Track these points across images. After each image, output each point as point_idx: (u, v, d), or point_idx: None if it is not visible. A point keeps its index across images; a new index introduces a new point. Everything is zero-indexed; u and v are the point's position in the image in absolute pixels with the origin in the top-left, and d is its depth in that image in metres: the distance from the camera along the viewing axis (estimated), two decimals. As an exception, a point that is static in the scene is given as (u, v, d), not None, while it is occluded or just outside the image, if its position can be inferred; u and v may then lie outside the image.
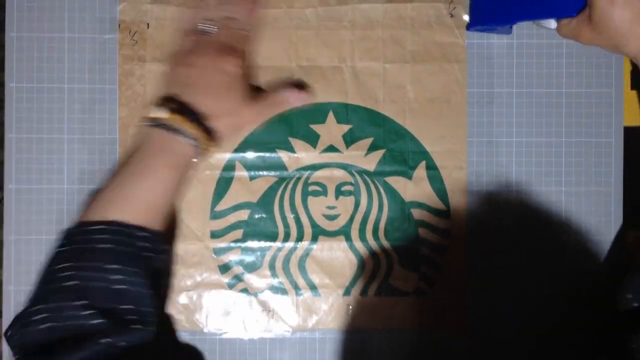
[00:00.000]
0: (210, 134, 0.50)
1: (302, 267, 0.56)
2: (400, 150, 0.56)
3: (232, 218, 0.56)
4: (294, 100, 0.54)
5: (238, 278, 0.56)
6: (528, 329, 0.56)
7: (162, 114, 0.48)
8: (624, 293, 0.49)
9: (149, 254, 0.46)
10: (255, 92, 0.53)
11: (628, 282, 0.50)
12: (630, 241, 0.57)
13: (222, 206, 0.56)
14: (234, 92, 0.51)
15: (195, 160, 0.50)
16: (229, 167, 0.56)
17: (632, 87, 0.57)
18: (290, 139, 0.56)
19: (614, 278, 0.56)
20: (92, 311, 0.43)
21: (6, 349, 0.50)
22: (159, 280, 0.48)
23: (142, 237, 0.46)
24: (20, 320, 0.44)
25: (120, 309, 0.44)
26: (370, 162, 0.56)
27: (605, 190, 0.57)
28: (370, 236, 0.56)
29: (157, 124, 0.49)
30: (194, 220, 0.55)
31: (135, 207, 0.47)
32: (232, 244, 0.56)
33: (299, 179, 0.56)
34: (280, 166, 0.56)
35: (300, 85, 0.55)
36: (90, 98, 0.56)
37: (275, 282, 0.56)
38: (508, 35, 0.56)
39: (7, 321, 0.54)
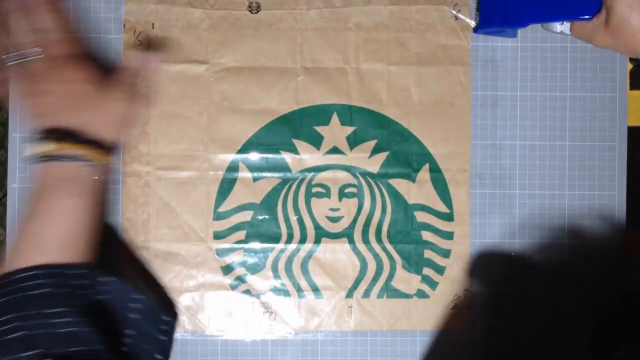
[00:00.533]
0: (101, 146, 0.49)
1: (304, 269, 0.56)
2: (404, 152, 0.56)
3: (235, 219, 0.56)
4: (138, 62, 0.52)
5: (240, 279, 0.55)
6: (531, 331, 0.56)
7: (49, 147, 0.47)
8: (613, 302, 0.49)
9: (85, 291, 0.45)
10: (103, 73, 0.51)
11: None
12: (631, 241, 0.57)
13: (225, 207, 0.55)
14: (92, 95, 0.49)
15: (96, 178, 0.49)
16: (233, 168, 0.56)
17: (632, 87, 0.57)
18: (294, 140, 0.56)
19: (617, 280, 0.56)
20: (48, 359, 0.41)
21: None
22: (109, 312, 0.47)
23: (73, 274, 0.45)
24: None
25: (72, 352, 0.42)
26: (374, 164, 0.56)
27: (609, 194, 0.57)
28: (373, 238, 0.56)
29: (46, 158, 0.48)
30: (197, 221, 0.55)
31: (54, 246, 0.46)
32: (235, 245, 0.56)
33: (302, 180, 0.56)
34: (284, 167, 0.56)
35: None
36: (95, 98, 0.55)
37: (277, 283, 0.56)
38: (513, 38, 0.56)
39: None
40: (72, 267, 0.46)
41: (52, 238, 0.46)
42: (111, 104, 0.50)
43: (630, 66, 0.57)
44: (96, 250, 0.49)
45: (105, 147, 0.49)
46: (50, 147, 0.47)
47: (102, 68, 0.51)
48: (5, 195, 0.54)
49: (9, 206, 0.55)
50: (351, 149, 0.56)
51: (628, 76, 0.57)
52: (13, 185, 0.55)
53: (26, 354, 0.41)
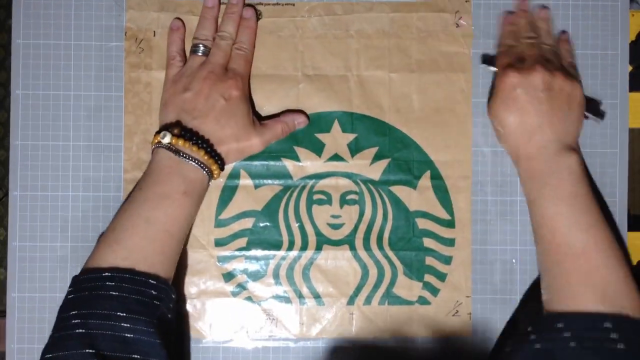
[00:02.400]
0: (215, 159, 0.50)
1: (306, 276, 0.56)
2: (405, 159, 0.56)
3: (237, 226, 0.56)
4: (294, 125, 0.55)
5: (242, 286, 0.56)
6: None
7: (165, 139, 0.49)
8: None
9: (157, 302, 0.46)
10: (256, 115, 0.54)
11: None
12: (633, 244, 0.57)
13: (226, 214, 0.56)
14: (235, 117, 0.51)
15: (206, 184, 0.51)
16: (234, 175, 0.56)
17: (632, 90, 0.57)
18: (295, 147, 0.56)
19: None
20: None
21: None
22: (170, 329, 0.48)
23: (151, 284, 0.46)
24: None
25: (127, 358, 0.43)
26: (375, 171, 0.56)
27: (610, 200, 0.57)
28: (374, 245, 0.56)
29: (164, 146, 0.49)
30: (198, 228, 0.55)
31: (151, 234, 0.47)
32: (237, 252, 0.56)
33: (303, 187, 0.56)
34: (285, 175, 0.56)
35: (297, 111, 0.56)
36: (96, 105, 0.56)
37: (279, 290, 0.56)
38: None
39: (9, 321, 0.54)
40: (152, 277, 0.47)
41: (152, 228, 0.47)
42: (248, 136, 0.52)
43: (630, 68, 0.57)
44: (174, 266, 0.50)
45: (217, 162, 0.51)
46: (167, 139, 0.49)
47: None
48: (5, 195, 0.54)
49: (11, 214, 0.55)
50: (352, 156, 0.56)
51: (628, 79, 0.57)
52: (15, 192, 0.55)
53: (81, 351, 0.42)
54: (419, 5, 0.56)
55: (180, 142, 0.49)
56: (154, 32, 0.56)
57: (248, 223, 0.56)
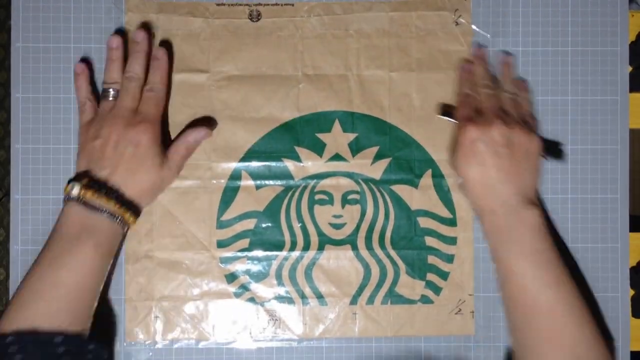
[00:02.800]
0: (127, 207, 0.49)
1: (308, 276, 0.56)
2: (406, 158, 0.56)
3: (239, 227, 0.56)
4: (195, 138, 0.53)
5: (244, 287, 0.56)
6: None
7: (74, 191, 0.48)
8: None
9: (68, 357, 0.44)
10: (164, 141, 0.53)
11: None
12: (635, 244, 0.57)
13: (228, 215, 0.56)
14: (146, 163, 0.50)
15: (119, 234, 0.50)
16: (235, 176, 0.56)
17: (632, 90, 0.57)
18: (296, 147, 0.56)
19: (621, 283, 0.56)
20: None
21: None
22: None
23: (56, 343, 0.45)
24: None
25: None
26: (377, 171, 0.56)
27: (611, 197, 0.57)
28: (376, 245, 0.56)
29: (73, 198, 0.48)
30: (200, 230, 0.55)
31: (61, 295, 0.46)
32: (239, 253, 0.56)
33: (305, 187, 0.56)
34: (287, 175, 0.56)
35: (201, 121, 0.55)
36: (96, 108, 0.56)
37: (281, 291, 0.56)
38: (512, 45, 0.56)
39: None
40: (60, 334, 0.45)
41: (61, 287, 0.46)
42: (161, 174, 0.51)
43: (630, 68, 0.57)
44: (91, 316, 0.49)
45: (132, 209, 0.50)
46: (76, 190, 0.48)
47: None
48: (4, 195, 0.54)
49: (12, 218, 0.55)
50: (353, 155, 0.56)
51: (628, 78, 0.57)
52: (16, 196, 0.55)
53: None
54: (418, 3, 0.56)
55: (89, 194, 0.48)
56: (154, 33, 0.55)
57: (250, 224, 0.56)
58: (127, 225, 0.51)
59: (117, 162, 0.49)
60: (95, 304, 0.49)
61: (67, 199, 0.49)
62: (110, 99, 0.51)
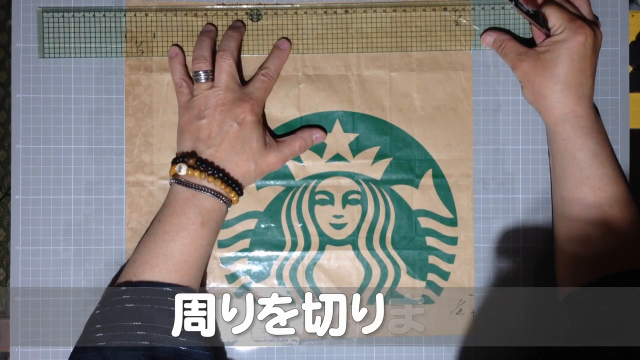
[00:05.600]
0: (232, 186, 0.50)
1: (309, 276, 0.56)
2: (406, 158, 0.56)
3: (239, 227, 0.56)
4: (312, 140, 0.55)
5: (245, 287, 0.55)
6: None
7: (181, 171, 0.49)
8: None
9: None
10: (271, 134, 0.55)
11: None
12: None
13: (228, 216, 0.55)
14: (251, 142, 0.51)
15: (224, 212, 0.52)
16: (236, 176, 0.56)
17: (632, 90, 0.57)
18: (296, 148, 0.56)
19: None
20: None
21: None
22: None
23: (169, 291, 0.48)
24: None
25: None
26: (377, 171, 0.56)
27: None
28: (377, 245, 0.56)
29: (178, 181, 0.50)
30: (201, 230, 0.55)
31: (170, 266, 0.49)
32: (239, 254, 0.56)
33: (305, 188, 0.56)
34: (287, 175, 0.56)
35: (314, 126, 0.56)
36: (97, 108, 0.56)
37: (282, 291, 0.56)
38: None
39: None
40: (180, 287, 0.49)
41: (170, 258, 0.49)
42: (265, 158, 0.52)
43: (630, 68, 0.57)
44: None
45: (235, 189, 0.51)
46: (182, 171, 0.49)
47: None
48: (4, 195, 0.54)
49: (13, 218, 0.55)
50: (354, 155, 0.56)
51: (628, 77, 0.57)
52: (17, 196, 0.55)
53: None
54: (419, 3, 0.56)
55: (197, 174, 0.49)
56: (154, 33, 0.55)
57: (251, 224, 0.56)
58: (231, 202, 0.51)
59: (222, 139, 0.50)
60: (200, 277, 0.52)
61: (175, 179, 0.50)
62: (203, 81, 0.52)
